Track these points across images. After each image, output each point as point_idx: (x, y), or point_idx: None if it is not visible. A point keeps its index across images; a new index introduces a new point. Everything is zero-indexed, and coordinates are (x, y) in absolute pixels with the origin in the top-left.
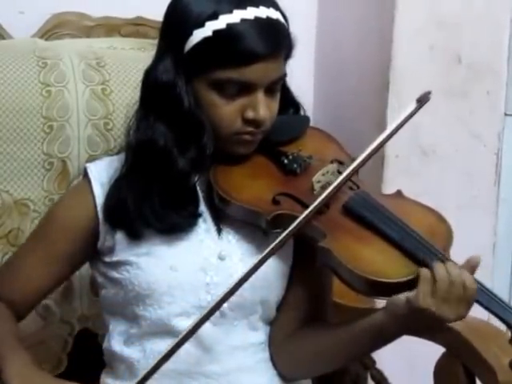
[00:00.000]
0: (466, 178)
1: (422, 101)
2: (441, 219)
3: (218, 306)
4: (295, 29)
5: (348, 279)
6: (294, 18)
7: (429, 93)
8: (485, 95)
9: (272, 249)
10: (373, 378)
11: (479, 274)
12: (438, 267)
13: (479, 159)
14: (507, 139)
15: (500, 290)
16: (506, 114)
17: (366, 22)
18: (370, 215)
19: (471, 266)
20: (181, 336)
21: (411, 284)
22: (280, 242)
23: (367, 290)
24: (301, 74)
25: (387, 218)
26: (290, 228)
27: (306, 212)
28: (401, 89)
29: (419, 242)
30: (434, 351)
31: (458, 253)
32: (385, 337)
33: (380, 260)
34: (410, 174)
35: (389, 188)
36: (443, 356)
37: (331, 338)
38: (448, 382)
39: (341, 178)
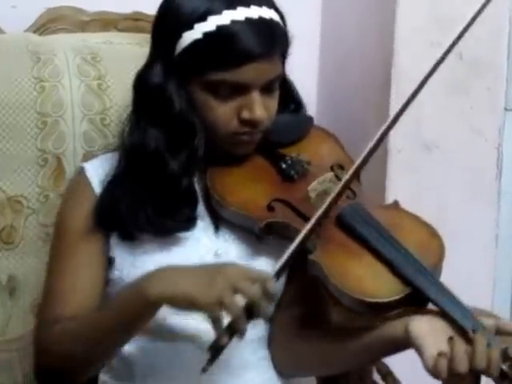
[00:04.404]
0: (468, 173)
1: None
2: (434, 235)
3: None
4: (299, 25)
5: (336, 295)
6: (298, 15)
7: None
8: (485, 91)
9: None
10: (378, 371)
11: (482, 268)
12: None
13: (481, 154)
14: (508, 134)
15: (503, 282)
16: (506, 109)
17: (368, 18)
18: (362, 229)
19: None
20: None
21: (398, 304)
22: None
23: (355, 308)
24: (305, 70)
25: (379, 234)
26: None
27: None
28: (402, 84)
29: (409, 261)
30: None
31: (461, 246)
32: (399, 347)
33: (368, 277)
34: (412, 169)
35: (391, 183)
36: None
37: (341, 344)
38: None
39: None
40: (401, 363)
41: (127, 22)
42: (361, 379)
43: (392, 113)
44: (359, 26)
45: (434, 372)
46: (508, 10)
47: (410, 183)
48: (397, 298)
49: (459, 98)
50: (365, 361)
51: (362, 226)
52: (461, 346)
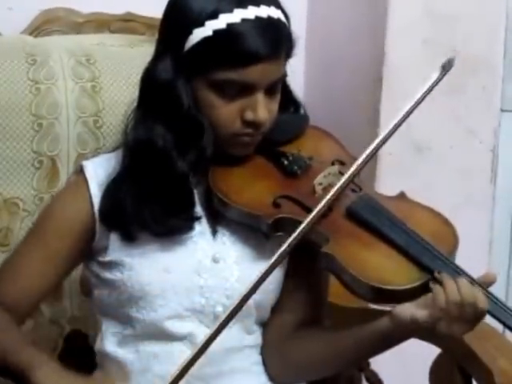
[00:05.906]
0: (462, 175)
1: (446, 67)
2: (446, 223)
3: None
4: None
5: (352, 285)
6: None
7: (453, 59)
8: (480, 90)
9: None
10: (367, 380)
11: (476, 272)
12: (451, 288)
13: (475, 156)
14: (503, 135)
15: (497, 287)
16: (502, 110)
17: (359, 15)
18: (374, 220)
19: (487, 283)
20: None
21: (416, 292)
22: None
23: (371, 297)
24: (290, 69)
25: (391, 223)
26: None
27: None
28: (394, 84)
29: (424, 248)
30: (429, 352)
31: None
32: (388, 343)
33: (384, 266)
34: (403, 172)
35: (382, 186)
36: (439, 357)
37: (331, 343)
38: (444, 383)
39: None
40: (390, 371)
41: (119, 23)
42: None
43: (383, 114)
44: (348, 23)
45: (432, 308)
46: (504, 6)
47: (401, 187)
48: (415, 285)
49: (453, 98)
50: (355, 358)
51: (374, 216)
52: (448, 277)
